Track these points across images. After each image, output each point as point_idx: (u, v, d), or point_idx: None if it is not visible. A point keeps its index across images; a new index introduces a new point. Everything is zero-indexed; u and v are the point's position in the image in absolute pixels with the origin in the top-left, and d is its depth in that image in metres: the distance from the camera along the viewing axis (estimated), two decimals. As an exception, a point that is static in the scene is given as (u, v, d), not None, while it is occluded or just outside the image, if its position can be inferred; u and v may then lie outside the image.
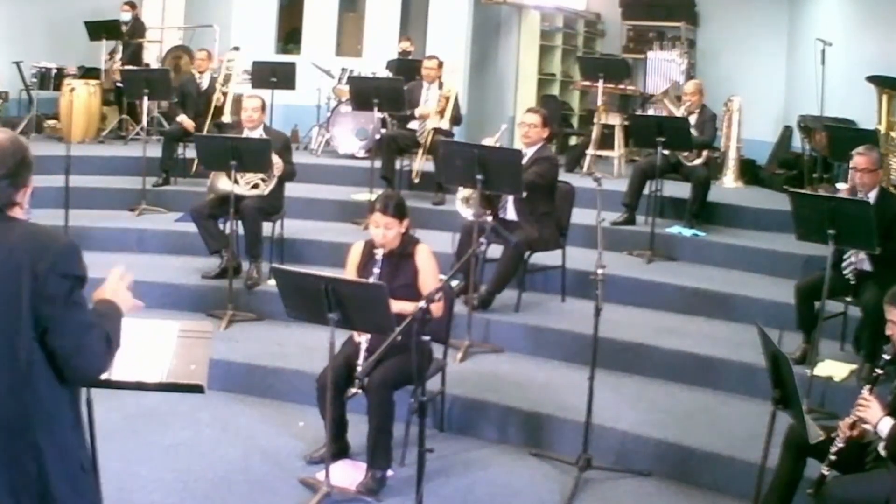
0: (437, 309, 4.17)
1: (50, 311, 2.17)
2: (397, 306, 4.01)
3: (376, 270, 4.33)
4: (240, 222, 6.33)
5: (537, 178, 5.91)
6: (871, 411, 3.44)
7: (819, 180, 8.29)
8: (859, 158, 5.16)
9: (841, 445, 3.49)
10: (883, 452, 3.46)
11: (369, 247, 4.47)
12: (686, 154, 7.45)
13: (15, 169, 2.26)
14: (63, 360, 2.21)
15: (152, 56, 10.84)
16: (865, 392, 3.49)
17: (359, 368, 4.14)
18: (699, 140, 7.46)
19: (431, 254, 4.50)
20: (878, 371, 3.54)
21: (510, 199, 6.06)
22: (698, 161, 7.51)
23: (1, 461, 2.19)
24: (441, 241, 5.76)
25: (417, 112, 8.16)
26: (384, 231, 4.36)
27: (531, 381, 5.28)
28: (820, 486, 3.47)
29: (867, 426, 3.49)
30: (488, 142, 6.08)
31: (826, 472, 3.48)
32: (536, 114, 6.17)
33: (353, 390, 4.11)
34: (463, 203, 6.08)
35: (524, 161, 5.88)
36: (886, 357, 3.53)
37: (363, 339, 4.26)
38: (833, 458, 3.48)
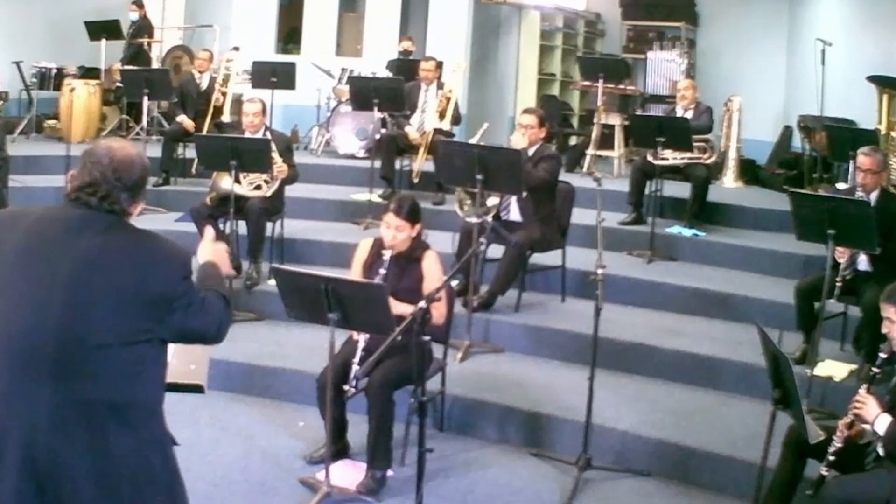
0: (438, 316, 4.17)
1: (178, 306, 2.41)
2: (399, 308, 4.01)
3: (382, 271, 4.33)
4: (241, 222, 6.33)
5: (549, 175, 5.93)
6: (867, 409, 3.44)
7: (819, 180, 8.29)
8: (864, 159, 5.16)
9: (839, 445, 3.49)
10: (881, 451, 3.46)
11: (378, 246, 4.47)
12: (691, 155, 7.43)
13: (138, 182, 2.45)
14: (199, 334, 2.52)
15: (152, 56, 10.84)
16: (862, 391, 3.50)
17: (354, 367, 4.13)
18: (696, 125, 7.43)
19: (439, 261, 4.50)
20: (875, 370, 3.54)
21: (513, 199, 6.05)
22: (708, 160, 7.51)
23: (98, 438, 2.32)
24: (441, 241, 5.75)
25: (415, 119, 8.15)
26: (394, 233, 4.37)
27: (531, 381, 5.28)
28: (819, 487, 3.47)
29: (865, 425, 3.49)
30: (472, 141, 6.11)
31: (825, 473, 3.47)
32: (532, 114, 6.16)
33: (347, 387, 4.11)
34: (458, 207, 6.08)
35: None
36: (883, 356, 3.53)
37: (361, 338, 4.25)
38: (832, 458, 3.47)
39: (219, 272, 2.75)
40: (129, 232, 2.43)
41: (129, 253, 2.38)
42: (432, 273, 4.43)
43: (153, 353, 2.41)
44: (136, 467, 2.36)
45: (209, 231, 3.00)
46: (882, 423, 3.40)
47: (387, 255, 4.37)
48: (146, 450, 2.38)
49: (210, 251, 2.79)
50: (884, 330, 3.59)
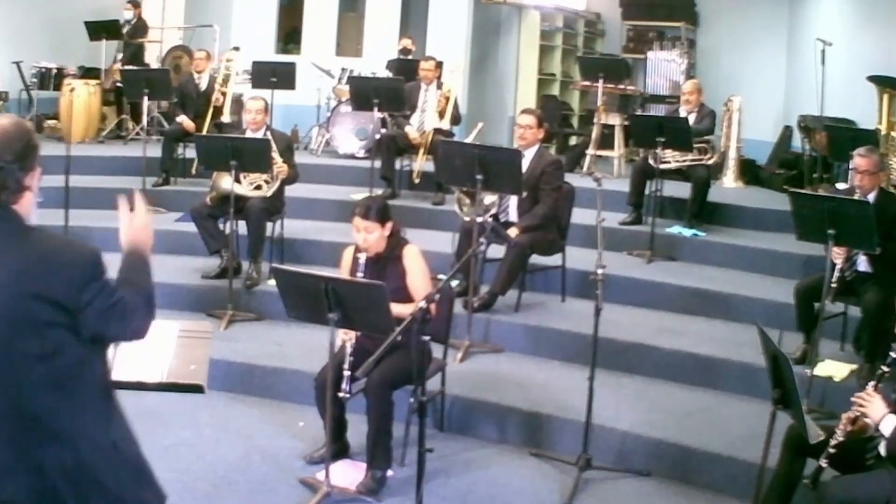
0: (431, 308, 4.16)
1: (89, 314, 2.26)
2: (395, 309, 4.00)
3: (360, 275, 4.31)
4: (241, 222, 6.33)
5: (554, 192, 5.92)
6: (873, 407, 3.42)
7: (819, 180, 8.29)
8: (860, 160, 5.14)
9: (841, 439, 3.47)
10: (883, 452, 3.45)
11: (357, 251, 4.46)
12: (692, 156, 7.42)
13: (23, 152, 2.29)
14: (115, 337, 2.38)
15: (152, 56, 10.84)
16: (870, 388, 3.48)
17: (346, 373, 4.12)
18: (696, 128, 7.44)
19: (420, 254, 4.48)
20: (885, 368, 3.51)
21: (512, 201, 6.05)
22: (709, 161, 7.51)
23: (27, 452, 2.23)
24: (441, 241, 5.77)
25: (415, 118, 8.16)
26: (365, 235, 4.35)
27: (531, 381, 5.28)
28: (817, 478, 3.46)
29: (868, 421, 3.48)
30: (467, 141, 6.13)
31: (824, 465, 3.46)
32: (530, 115, 6.14)
33: (340, 394, 4.10)
34: (458, 207, 6.08)
35: (525, 163, 5.88)
36: (894, 354, 3.50)
37: (348, 345, 4.21)
38: (832, 451, 3.46)
39: (143, 259, 2.56)
40: (23, 235, 2.26)
41: (26, 261, 2.23)
42: (414, 267, 4.41)
43: (77, 357, 2.28)
44: (77, 479, 2.26)
45: (123, 204, 2.65)
46: (888, 425, 3.37)
47: (362, 257, 4.35)
48: (84, 458, 2.28)
49: (131, 230, 2.59)
50: None
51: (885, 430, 3.39)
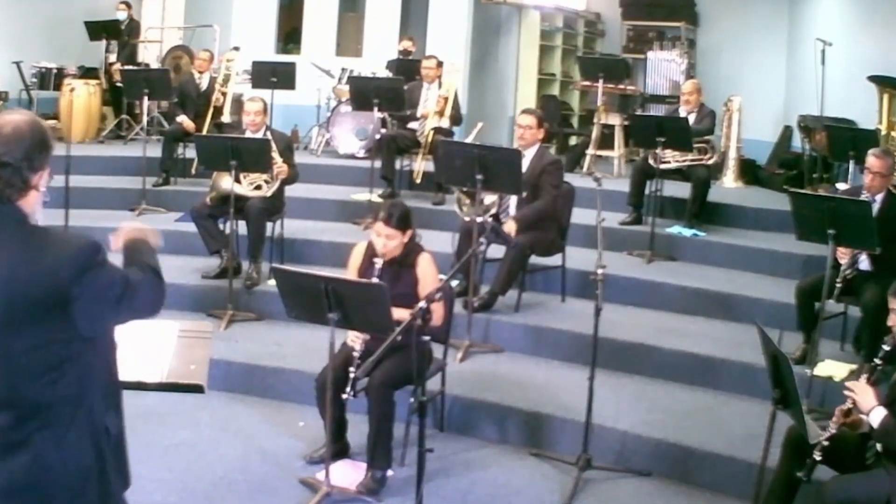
0: (437, 317, 4.16)
1: (87, 300, 2.22)
2: (396, 314, 4.00)
3: (374, 280, 4.30)
4: (241, 222, 6.33)
5: (554, 189, 5.92)
6: (864, 398, 3.46)
7: (819, 180, 8.29)
8: (874, 160, 5.13)
9: (834, 431, 3.49)
10: (879, 448, 3.46)
11: (371, 250, 4.45)
12: (692, 156, 7.42)
13: (33, 151, 2.26)
14: (132, 316, 2.40)
15: (152, 56, 10.85)
16: (862, 380, 3.51)
17: (352, 375, 4.12)
18: (696, 128, 7.44)
19: (433, 263, 4.48)
20: (877, 361, 3.54)
21: (512, 201, 6.05)
22: (709, 161, 7.51)
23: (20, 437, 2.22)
24: (441, 241, 5.76)
25: (419, 112, 8.17)
26: (385, 241, 4.35)
27: (531, 381, 5.28)
28: (811, 471, 3.47)
29: (861, 415, 3.50)
30: (467, 141, 6.13)
31: (818, 458, 3.46)
32: (531, 115, 6.13)
33: (345, 395, 4.10)
34: (458, 207, 6.08)
35: (525, 163, 5.88)
36: (886, 347, 3.53)
37: (357, 345, 4.20)
38: (825, 443, 3.47)
39: (144, 244, 2.56)
40: (23, 231, 2.25)
41: (22, 256, 2.21)
42: (427, 276, 4.42)
43: (74, 347, 2.25)
44: (65, 473, 2.24)
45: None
46: (877, 416, 3.42)
47: (378, 262, 4.34)
48: (71, 451, 2.26)
49: (128, 231, 2.60)
50: (889, 323, 3.60)
51: (874, 421, 3.44)
